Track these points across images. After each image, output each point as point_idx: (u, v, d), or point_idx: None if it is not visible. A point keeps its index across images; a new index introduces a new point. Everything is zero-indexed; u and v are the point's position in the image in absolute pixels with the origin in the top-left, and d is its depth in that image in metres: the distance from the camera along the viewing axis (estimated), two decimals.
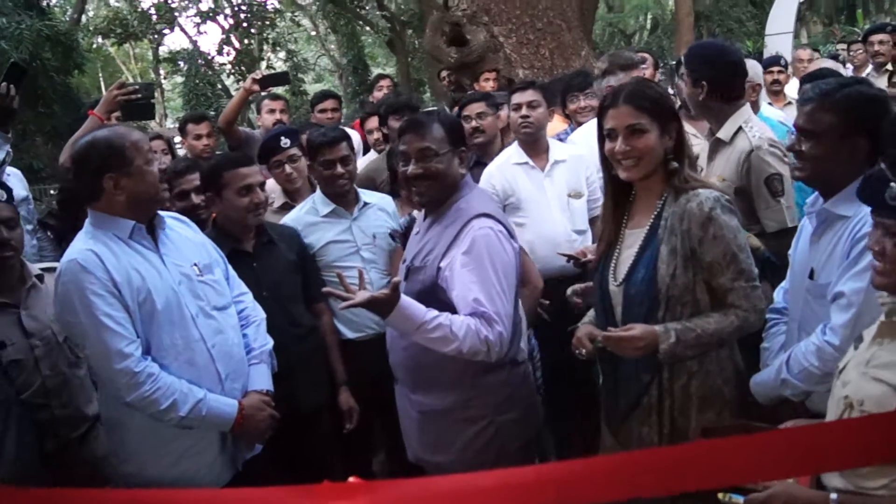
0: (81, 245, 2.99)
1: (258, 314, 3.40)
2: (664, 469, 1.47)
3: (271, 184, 5.02)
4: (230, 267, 3.41)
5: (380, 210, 4.28)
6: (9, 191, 3.50)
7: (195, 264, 3.18)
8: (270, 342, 3.36)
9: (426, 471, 3.25)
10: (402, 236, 3.93)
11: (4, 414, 3.02)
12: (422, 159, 3.09)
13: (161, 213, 3.22)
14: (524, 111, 4.62)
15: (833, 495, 2.12)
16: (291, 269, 3.89)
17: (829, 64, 6.01)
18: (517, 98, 4.69)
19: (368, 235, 4.16)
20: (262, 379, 3.26)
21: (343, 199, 4.21)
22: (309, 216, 4.21)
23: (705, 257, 2.76)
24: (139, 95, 4.15)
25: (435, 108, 6.61)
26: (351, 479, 1.43)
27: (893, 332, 2.12)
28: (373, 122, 5.99)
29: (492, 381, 3.11)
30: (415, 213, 3.96)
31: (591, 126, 5.13)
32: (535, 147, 4.65)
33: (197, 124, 6.41)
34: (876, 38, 7.61)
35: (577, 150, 4.78)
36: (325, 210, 4.19)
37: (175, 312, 3.03)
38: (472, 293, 2.91)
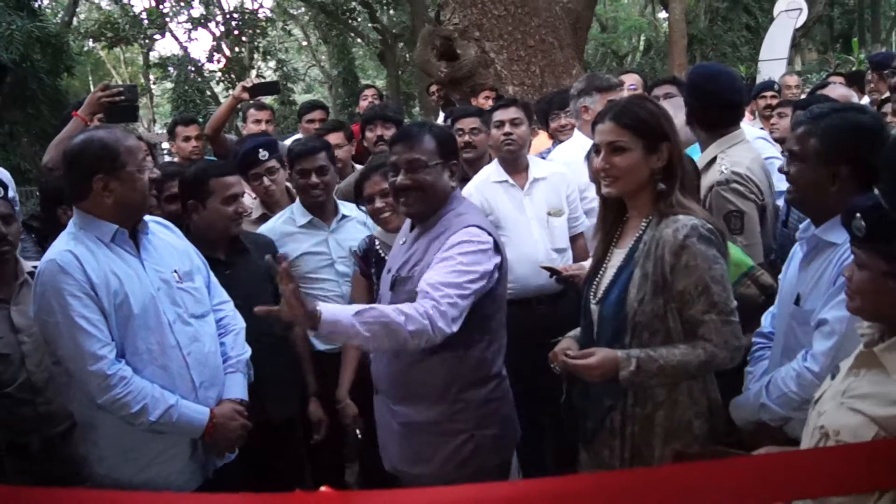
0: (62, 246, 2.98)
1: (238, 323, 3.38)
2: (637, 490, 1.47)
3: (248, 199, 5.01)
4: (212, 275, 3.39)
5: (359, 223, 4.23)
6: (5, 186, 3.54)
7: (175, 271, 3.16)
8: (248, 352, 3.35)
9: (403, 482, 3.22)
10: (360, 259, 3.89)
11: None
12: (410, 170, 3.06)
13: (147, 217, 3.21)
14: (507, 128, 4.57)
15: None
16: (264, 278, 3.77)
17: (840, 93, 5.94)
18: (500, 115, 4.64)
19: (344, 249, 4.11)
20: (237, 388, 3.25)
21: (320, 210, 4.18)
22: (286, 226, 4.18)
23: (677, 286, 2.71)
24: (123, 97, 4.11)
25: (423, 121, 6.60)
26: (323, 488, 1.42)
27: (870, 363, 2.12)
28: (332, 138, 5.75)
29: (476, 395, 3.08)
30: (376, 232, 3.95)
31: (571, 144, 5.14)
32: (515, 165, 4.60)
33: (186, 126, 6.41)
34: None
35: (558, 167, 4.74)
36: (303, 220, 4.16)
37: (152, 318, 3.02)
38: (437, 279, 2.85)
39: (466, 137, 4.96)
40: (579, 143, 4.90)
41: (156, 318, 3.03)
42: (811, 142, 2.73)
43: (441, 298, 2.80)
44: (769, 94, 7.33)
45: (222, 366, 3.25)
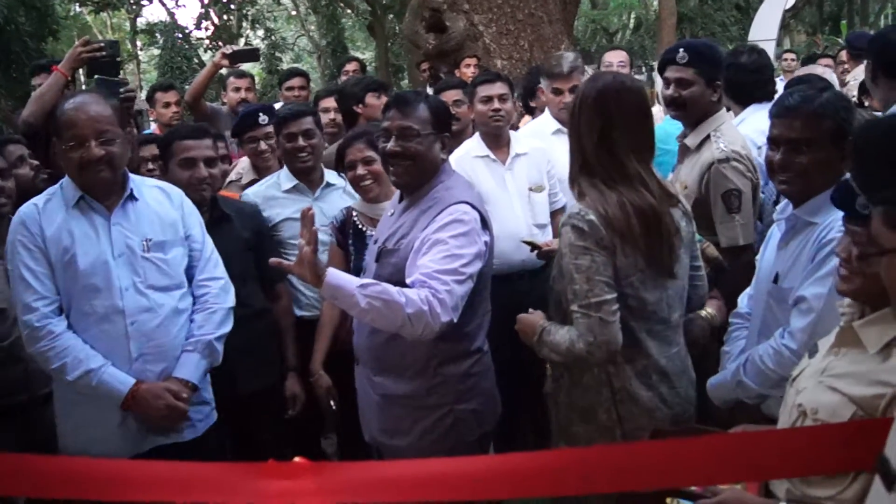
0: (35, 199, 3.12)
1: (220, 303, 3.29)
2: (613, 466, 1.47)
3: (245, 162, 5.00)
4: (209, 250, 3.33)
5: (345, 193, 4.20)
6: (2, 142, 3.60)
7: (148, 239, 3.14)
8: (217, 332, 3.24)
9: (382, 453, 3.24)
10: (337, 230, 3.86)
11: None
12: (402, 137, 3.03)
13: (147, 184, 3.28)
14: (496, 104, 4.52)
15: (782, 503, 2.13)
16: (243, 246, 3.79)
17: (819, 71, 5.97)
18: (487, 90, 4.56)
19: (328, 217, 4.04)
20: (185, 368, 3.16)
21: (307, 176, 4.16)
22: (270, 190, 4.16)
23: (562, 268, 2.78)
24: (104, 53, 4.07)
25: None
26: (297, 459, 1.41)
27: (850, 342, 2.12)
28: (328, 102, 5.79)
29: (456, 370, 3.07)
30: (353, 204, 3.93)
31: (539, 121, 5.14)
32: (498, 140, 4.57)
33: (165, 92, 6.39)
34: None
35: (538, 142, 4.73)
36: (287, 185, 4.14)
37: (101, 281, 3.04)
38: (432, 267, 2.84)
39: (451, 110, 4.93)
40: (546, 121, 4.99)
41: (106, 281, 3.05)
42: (823, 123, 2.71)
43: (439, 287, 2.79)
44: None
45: (178, 343, 3.18)
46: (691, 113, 3.74)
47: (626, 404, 2.80)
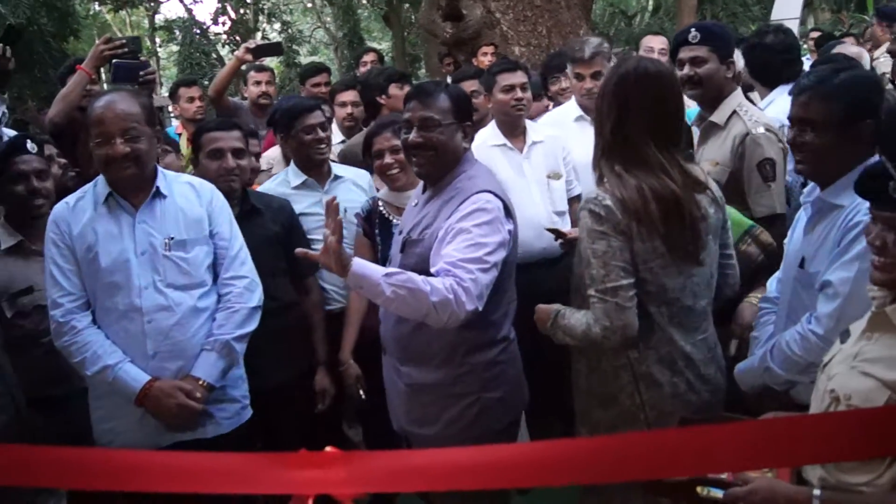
0: (69, 197, 3.25)
1: (245, 301, 3.30)
2: (642, 454, 1.46)
3: (274, 152, 5.03)
4: (236, 248, 3.35)
5: (353, 185, 4.24)
6: (40, 144, 3.73)
7: (171, 238, 3.18)
8: (237, 332, 3.25)
9: (411, 442, 3.24)
10: (363, 220, 3.89)
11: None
12: (424, 128, 3.04)
13: (179, 180, 3.33)
14: (518, 93, 4.51)
15: (816, 491, 2.09)
16: (273, 240, 3.82)
17: (853, 51, 5.86)
18: (508, 79, 4.53)
19: (340, 209, 4.09)
20: (202, 367, 3.19)
21: (317, 170, 4.19)
22: (280, 187, 4.19)
23: (580, 252, 2.79)
24: (126, 49, 4.13)
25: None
26: (328, 448, 1.42)
27: (883, 327, 2.10)
28: (347, 96, 5.81)
29: (482, 358, 3.09)
30: (380, 193, 3.95)
31: (563, 108, 5.11)
32: (514, 129, 4.56)
33: (189, 88, 6.52)
34: None
35: (552, 129, 4.71)
36: (297, 181, 4.17)
37: (122, 278, 3.12)
38: (456, 256, 2.85)
39: None
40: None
41: (126, 279, 3.13)
42: (826, 105, 2.67)
43: (464, 275, 2.80)
44: None
45: (196, 341, 3.21)
46: (708, 90, 3.82)
47: (651, 390, 2.80)
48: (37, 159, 3.61)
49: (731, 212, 3.33)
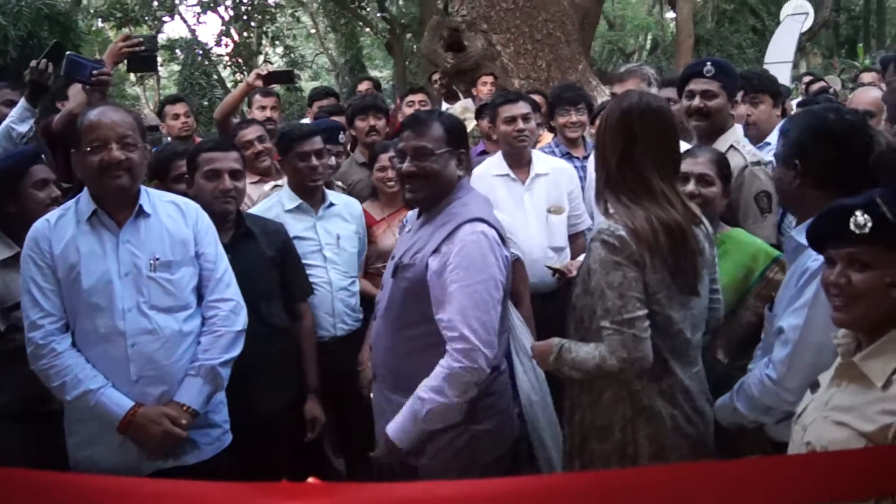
0: (50, 213, 3.13)
1: (230, 325, 3.23)
2: (628, 490, 1.46)
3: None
4: (221, 269, 3.28)
5: (346, 213, 4.26)
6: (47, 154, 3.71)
7: (155, 258, 3.10)
8: (223, 357, 3.18)
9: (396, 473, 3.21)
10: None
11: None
12: (417, 157, 3.06)
13: (163, 198, 3.26)
14: (520, 124, 4.53)
15: None
16: (268, 264, 3.79)
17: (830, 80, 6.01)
18: (510, 110, 4.57)
19: (332, 235, 4.13)
20: (187, 393, 3.10)
21: (311, 195, 4.19)
22: (273, 209, 4.18)
23: (589, 285, 2.79)
24: (143, 48, 4.14)
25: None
26: (310, 479, 1.41)
27: (851, 375, 2.10)
28: None
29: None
30: (360, 222, 4.07)
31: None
32: (518, 159, 4.57)
33: (174, 105, 6.59)
34: None
35: (561, 163, 4.71)
36: (291, 205, 4.17)
37: (104, 300, 3.02)
38: (459, 323, 2.88)
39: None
40: None
41: (108, 301, 3.02)
42: (821, 150, 2.71)
43: (470, 335, 2.87)
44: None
45: (181, 366, 3.12)
46: (713, 123, 3.96)
47: (652, 424, 2.80)
48: (41, 169, 3.60)
49: (759, 241, 3.44)
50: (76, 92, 4.09)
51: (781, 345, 2.66)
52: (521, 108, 4.58)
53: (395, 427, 2.97)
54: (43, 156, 3.67)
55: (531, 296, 4.19)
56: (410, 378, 3.05)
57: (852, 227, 2.05)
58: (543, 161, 4.66)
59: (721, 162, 3.50)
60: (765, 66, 14.61)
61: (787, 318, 2.64)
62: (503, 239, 3.06)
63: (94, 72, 4.00)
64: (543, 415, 3.55)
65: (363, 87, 8.00)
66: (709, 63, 4.06)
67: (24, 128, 4.24)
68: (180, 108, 6.51)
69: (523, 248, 4.24)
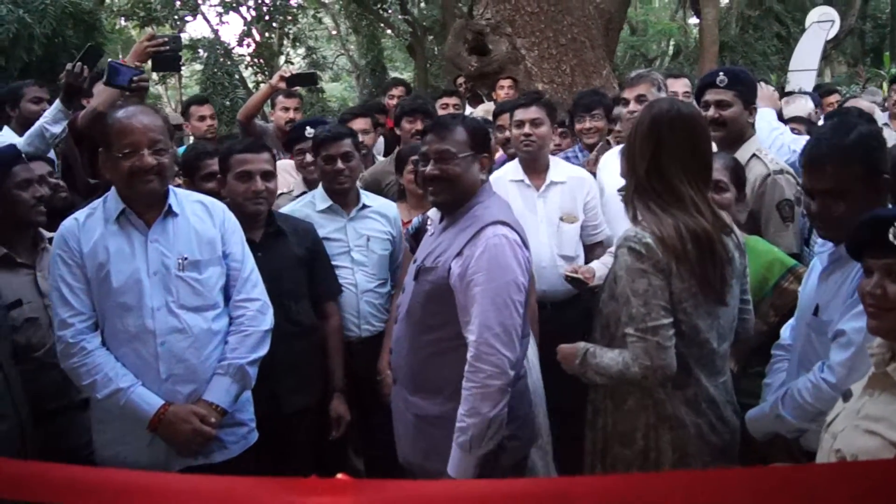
0: (78, 212, 3.14)
1: (257, 325, 3.25)
2: (648, 494, 1.46)
3: (294, 172, 5.09)
4: (248, 269, 3.29)
5: (379, 215, 4.26)
6: (29, 159, 3.72)
7: (184, 258, 3.12)
8: (251, 357, 3.20)
9: (414, 474, 3.21)
10: (412, 237, 3.89)
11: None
12: (440, 161, 3.07)
13: (190, 198, 3.27)
14: (527, 129, 4.50)
15: None
16: (297, 263, 3.82)
17: (864, 105, 5.95)
18: (521, 114, 4.56)
19: (362, 237, 4.15)
20: (216, 392, 3.13)
21: (343, 197, 4.20)
22: (306, 209, 4.21)
23: (616, 291, 2.79)
24: (168, 47, 4.16)
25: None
26: (339, 475, 1.41)
27: (884, 384, 2.10)
28: (358, 124, 5.70)
29: None
30: (431, 213, 3.94)
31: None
32: (534, 165, 4.56)
33: (200, 106, 6.59)
34: None
35: (580, 171, 4.68)
36: (323, 205, 4.19)
37: (133, 299, 3.04)
38: (482, 327, 2.87)
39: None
40: None
41: (138, 300, 3.04)
42: (854, 170, 2.67)
43: (493, 340, 2.86)
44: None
45: (209, 365, 3.14)
46: (731, 132, 3.99)
47: (676, 431, 2.80)
48: (38, 165, 3.62)
49: (775, 250, 3.43)
50: (102, 89, 4.10)
51: (842, 348, 2.64)
52: (532, 112, 4.54)
53: (452, 467, 2.93)
54: (56, 155, 3.68)
55: (539, 305, 4.20)
56: (431, 380, 3.07)
57: (891, 237, 2.04)
58: (562, 169, 4.63)
59: (735, 168, 3.49)
60: (790, 73, 14.59)
61: (850, 321, 2.61)
62: (524, 241, 3.06)
63: (134, 77, 4.05)
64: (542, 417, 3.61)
65: (397, 91, 7.93)
66: (721, 73, 4.09)
67: (57, 129, 4.29)
68: (206, 110, 6.54)
69: (533, 256, 4.23)
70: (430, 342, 3.06)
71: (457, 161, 3.07)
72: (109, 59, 4.21)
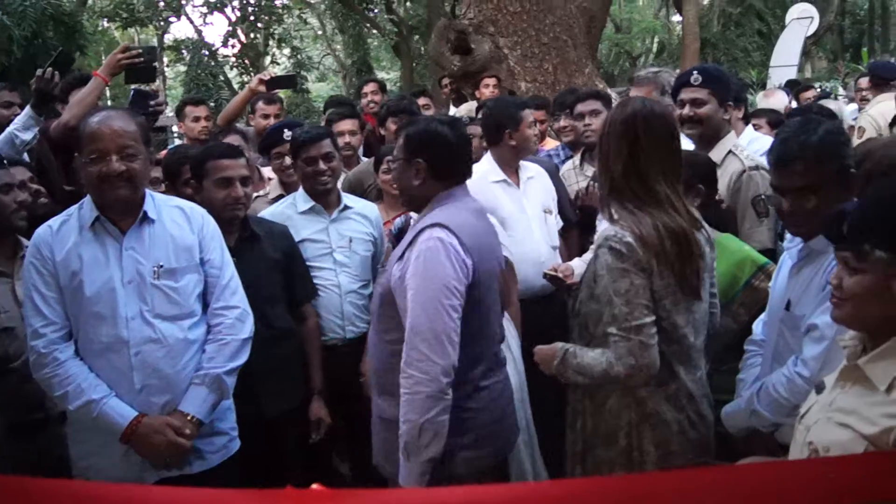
0: (52, 220, 3.07)
1: (235, 333, 3.16)
2: (625, 496, 1.46)
3: (271, 175, 5.07)
4: (227, 277, 3.22)
5: (361, 216, 4.22)
6: (11, 164, 3.65)
7: (160, 266, 3.04)
8: (228, 366, 3.12)
9: (387, 478, 3.14)
10: (395, 238, 3.86)
11: None
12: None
13: (168, 203, 3.19)
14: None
15: None
16: (273, 267, 3.79)
17: (832, 106, 6.02)
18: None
19: (344, 238, 4.11)
20: (192, 402, 3.03)
21: (324, 198, 4.17)
22: (287, 211, 4.17)
23: (595, 291, 2.78)
24: (142, 59, 4.13)
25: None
26: (314, 485, 1.41)
27: (856, 377, 2.11)
28: (344, 125, 5.63)
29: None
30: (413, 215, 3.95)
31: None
32: (512, 164, 4.57)
33: (196, 107, 6.45)
34: None
35: (537, 166, 4.71)
36: (304, 207, 4.15)
37: (106, 308, 2.97)
38: (413, 336, 2.79)
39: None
40: None
41: (111, 309, 2.97)
42: (827, 167, 2.68)
43: (421, 345, 2.77)
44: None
45: (186, 375, 3.06)
46: (706, 130, 4.03)
47: (658, 429, 2.80)
48: (18, 171, 3.56)
49: (746, 248, 3.46)
50: (78, 99, 4.06)
51: (815, 342, 2.66)
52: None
53: (400, 473, 2.85)
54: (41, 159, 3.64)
55: (534, 300, 4.19)
56: (391, 382, 2.92)
57: (845, 231, 2.08)
58: (527, 165, 4.66)
59: (702, 165, 3.51)
60: (770, 69, 14.67)
61: (822, 315, 2.61)
62: (464, 245, 2.89)
63: (152, 102, 4.05)
64: (523, 418, 3.57)
65: (369, 88, 7.90)
66: (695, 72, 4.15)
67: (27, 136, 4.18)
68: (202, 111, 6.39)
69: (529, 250, 4.28)
70: (387, 344, 3.01)
71: (394, 167, 3.15)
72: (133, 87, 4.23)
